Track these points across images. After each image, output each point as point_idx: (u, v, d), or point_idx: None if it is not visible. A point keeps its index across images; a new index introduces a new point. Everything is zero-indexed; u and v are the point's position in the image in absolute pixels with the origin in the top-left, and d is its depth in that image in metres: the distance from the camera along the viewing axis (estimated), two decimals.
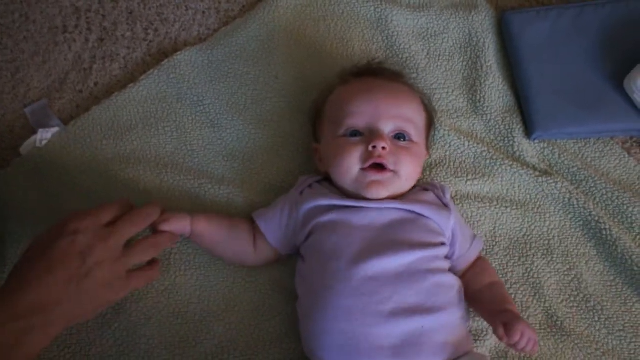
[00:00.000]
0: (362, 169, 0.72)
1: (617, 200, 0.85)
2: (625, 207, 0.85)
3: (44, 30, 0.96)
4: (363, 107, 0.74)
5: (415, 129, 0.75)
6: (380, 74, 0.81)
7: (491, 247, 0.83)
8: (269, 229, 0.75)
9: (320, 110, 0.81)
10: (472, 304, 0.76)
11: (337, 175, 0.74)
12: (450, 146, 0.88)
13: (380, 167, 0.71)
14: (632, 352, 0.78)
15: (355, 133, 0.73)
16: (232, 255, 0.78)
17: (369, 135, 0.73)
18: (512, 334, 0.65)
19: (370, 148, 0.71)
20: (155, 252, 0.68)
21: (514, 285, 0.81)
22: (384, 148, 0.71)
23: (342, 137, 0.74)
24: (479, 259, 0.79)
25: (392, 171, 0.72)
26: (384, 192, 0.72)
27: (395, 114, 0.74)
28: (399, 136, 0.74)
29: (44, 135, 0.86)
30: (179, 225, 0.72)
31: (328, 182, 0.78)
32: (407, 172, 0.73)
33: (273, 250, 0.77)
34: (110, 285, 0.63)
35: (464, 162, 0.88)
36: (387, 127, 0.73)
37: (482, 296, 0.74)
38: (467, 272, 0.77)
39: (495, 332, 0.68)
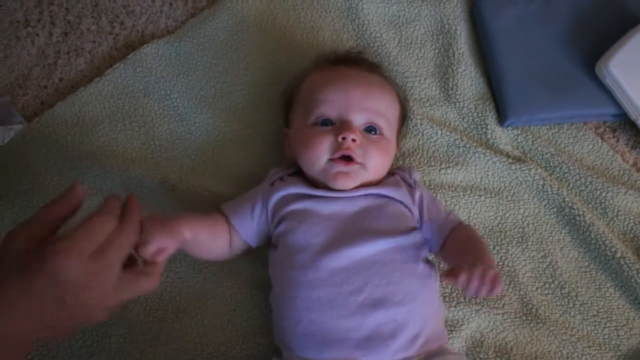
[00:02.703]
0: (330, 159, 0.71)
1: (590, 186, 0.85)
2: (598, 193, 0.84)
3: (5, 24, 0.93)
4: (335, 96, 0.73)
5: (387, 123, 0.74)
6: (357, 64, 0.79)
7: None
8: (242, 225, 0.73)
9: (293, 95, 0.80)
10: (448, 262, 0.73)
11: (305, 164, 0.74)
12: (423, 135, 0.87)
13: (348, 159, 0.71)
14: (606, 336, 0.78)
15: (326, 122, 0.73)
16: (212, 257, 0.75)
17: (340, 125, 0.72)
18: (457, 276, 0.59)
19: (339, 139, 0.70)
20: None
21: None
22: (353, 140, 0.70)
23: (313, 125, 0.73)
24: (458, 226, 0.73)
25: (359, 163, 0.71)
26: (350, 184, 0.71)
27: (368, 106, 0.73)
28: (370, 129, 0.73)
29: (7, 134, 0.83)
30: (175, 244, 0.63)
31: (298, 174, 0.77)
32: (374, 165, 0.72)
33: (244, 243, 0.75)
34: (94, 318, 0.55)
35: (437, 150, 0.87)
36: (359, 119, 0.72)
37: (452, 252, 0.70)
38: (446, 242, 0.72)
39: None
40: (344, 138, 0.70)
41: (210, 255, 0.75)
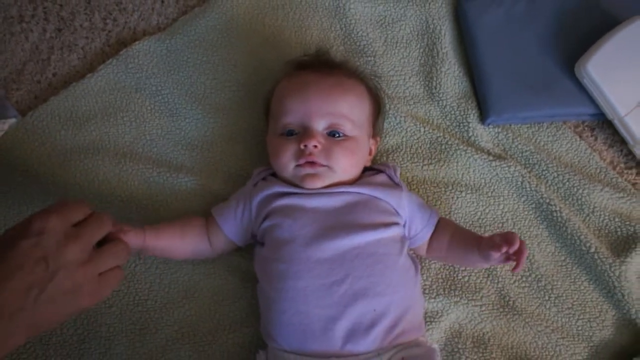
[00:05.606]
0: (297, 165, 0.74)
1: (567, 183, 0.87)
2: (575, 190, 0.87)
3: None
4: (295, 106, 0.75)
5: (350, 123, 0.76)
6: (321, 67, 0.81)
7: None
8: (225, 223, 0.77)
9: (267, 105, 0.83)
10: (450, 258, 0.80)
11: (277, 171, 0.78)
12: (406, 132, 0.90)
13: (312, 163, 0.74)
14: (580, 328, 0.80)
15: (291, 132, 0.76)
16: (191, 255, 0.79)
17: (302, 133, 0.75)
18: (510, 240, 0.66)
19: (301, 147, 0.73)
20: (126, 258, 0.64)
21: (468, 268, 0.83)
22: (315, 146, 0.73)
23: (280, 135, 0.76)
24: (443, 218, 0.80)
25: (325, 166, 0.74)
26: (318, 183, 0.74)
27: (329, 111, 0.75)
28: (333, 133, 0.75)
29: (1, 127, 0.85)
30: (136, 239, 0.70)
31: None
32: (341, 166, 0.74)
33: (230, 242, 0.78)
34: (79, 290, 0.57)
35: (420, 147, 0.89)
36: (320, 125, 0.75)
37: (454, 243, 0.77)
38: (431, 238, 0.78)
39: (487, 252, 0.68)
40: (305, 146, 0.73)
41: (186, 254, 0.77)
